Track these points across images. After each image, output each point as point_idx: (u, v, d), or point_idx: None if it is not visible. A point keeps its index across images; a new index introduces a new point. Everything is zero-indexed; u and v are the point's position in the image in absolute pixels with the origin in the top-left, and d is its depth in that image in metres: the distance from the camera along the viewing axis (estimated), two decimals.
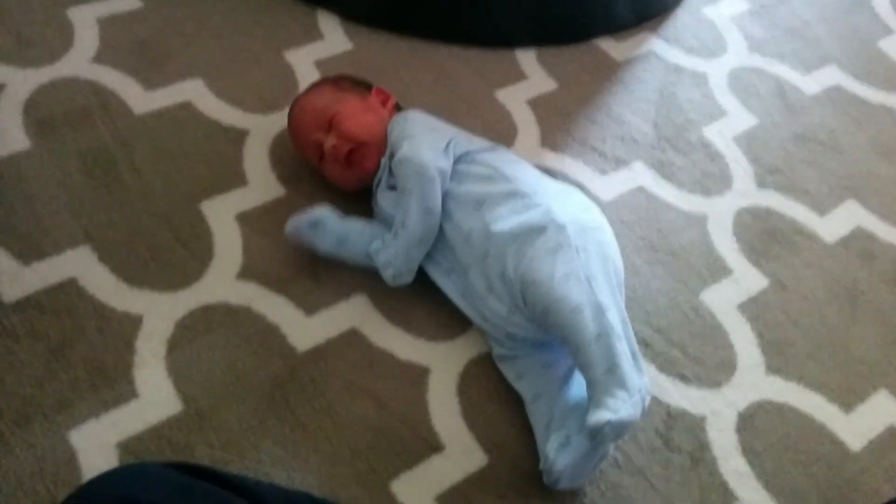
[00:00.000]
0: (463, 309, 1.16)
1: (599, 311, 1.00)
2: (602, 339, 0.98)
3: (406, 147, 1.15)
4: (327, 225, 1.18)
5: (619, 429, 0.94)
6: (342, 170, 1.23)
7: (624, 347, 0.99)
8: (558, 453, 1.00)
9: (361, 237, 1.19)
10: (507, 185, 1.16)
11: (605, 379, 0.96)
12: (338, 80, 1.30)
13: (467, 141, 1.24)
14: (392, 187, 1.20)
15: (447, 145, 1.18)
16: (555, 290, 1.02)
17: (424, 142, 1.17)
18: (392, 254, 1.14)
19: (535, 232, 1.09)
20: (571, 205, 1.16)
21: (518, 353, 1.12)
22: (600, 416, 0.93)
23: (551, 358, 1.11)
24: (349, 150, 1.20)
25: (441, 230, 1.15)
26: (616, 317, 1.02)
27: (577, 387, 1.08)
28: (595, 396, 0.96)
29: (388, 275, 1.15)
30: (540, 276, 1.04)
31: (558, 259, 1.05)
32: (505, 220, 1.11)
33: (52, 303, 1.11)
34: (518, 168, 1.21)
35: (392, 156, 1.19)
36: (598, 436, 0.94)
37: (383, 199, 1.21)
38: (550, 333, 1.06)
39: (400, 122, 1.23)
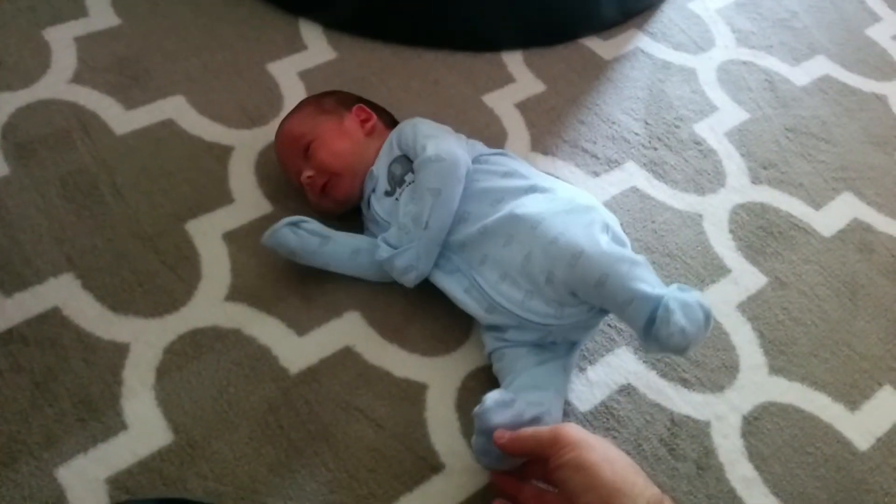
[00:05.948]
0: (464, 304, 1.11)
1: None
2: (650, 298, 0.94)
3: (433, 146, 1.13)
4: (307, 224, 1.14)
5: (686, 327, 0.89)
6: (319, 199, 1.21)
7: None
8: (497, 404, 0.97)
9: (345, 239, 1.17)
10: (526, 181, 1.14)
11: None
12: (321, 99, 1.27)
13: (478, 145, 1.23)
14: (388, 193, 1.17)
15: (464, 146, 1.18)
16: (607, 256, 0.98)
17: (451, 141, 1.16)
18: (414, 256, 1.10)
19: (564, 212, 1.07)
20: (588, 199, 1.14)
21: (516, 346, 1.09)
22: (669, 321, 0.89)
23: (546, 357, 1.08)
24: (324, 184, 1.19)
25: (450, 232, 1.12)
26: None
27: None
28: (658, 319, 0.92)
29: (410, 278, 1.11)
30: (587, 246, 1.00)
31: (594, 231, 1.03)
32: (531, 206, 1.09)
33: (35, 334, 1.08)
34: (532, 169, 1.21)
35: (397, 160, 1.18)
36: (668, 338, 0.89)
37: (380, 204, 1.18)
38: (595, 301, 1.02)
39: (413, 126, 1.20)
